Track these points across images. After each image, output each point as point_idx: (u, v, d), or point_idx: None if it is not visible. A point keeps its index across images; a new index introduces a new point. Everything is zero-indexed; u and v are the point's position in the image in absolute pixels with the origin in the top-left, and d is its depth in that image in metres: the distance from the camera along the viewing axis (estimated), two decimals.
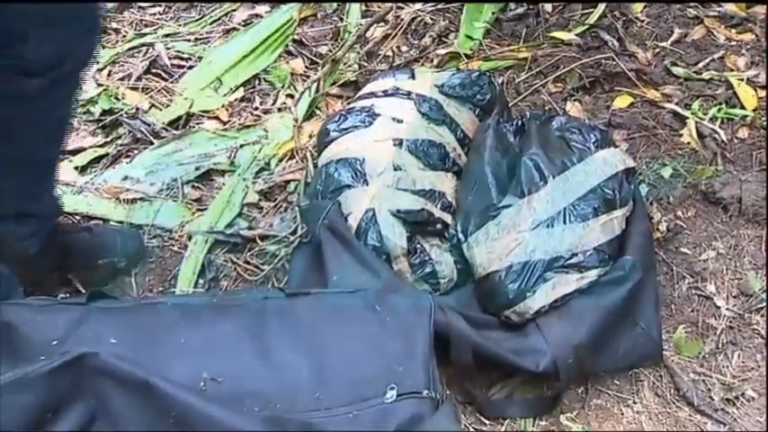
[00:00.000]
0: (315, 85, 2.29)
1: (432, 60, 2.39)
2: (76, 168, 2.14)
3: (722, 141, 2.12)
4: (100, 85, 2.38)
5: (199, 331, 1.42)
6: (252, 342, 1.40)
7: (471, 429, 1.62)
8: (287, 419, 1.29)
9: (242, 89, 2.36)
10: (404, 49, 2.47)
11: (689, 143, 2.13)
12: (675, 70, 2.34)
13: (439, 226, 1.72)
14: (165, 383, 1.26)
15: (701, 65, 2.34)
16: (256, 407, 1.30)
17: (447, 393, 1.42)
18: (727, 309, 1.79)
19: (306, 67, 2.43)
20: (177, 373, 1.31)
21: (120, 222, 1.99)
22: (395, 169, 1.74)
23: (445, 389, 1.43)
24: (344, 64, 2.39)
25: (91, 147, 2.20)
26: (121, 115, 2.27)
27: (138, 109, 2.29)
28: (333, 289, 1.63)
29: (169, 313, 1.46)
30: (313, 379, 1.33)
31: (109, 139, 2.23)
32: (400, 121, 1.82)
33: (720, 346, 1.75)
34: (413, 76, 1.96)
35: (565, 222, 1.62)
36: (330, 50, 2.44)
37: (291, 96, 2.31)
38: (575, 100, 2.26)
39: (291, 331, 1.41)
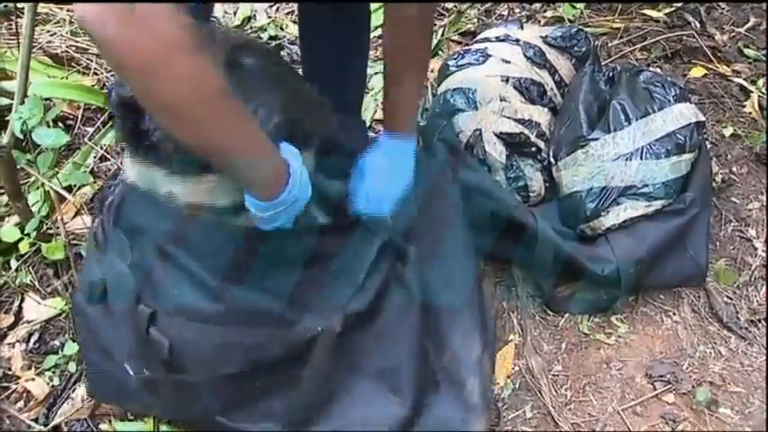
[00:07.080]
0: (441, 30, 2.22)
1: (539, 21, 2.28)
2: None
3: None
4: (269, 17, 2.38)
5: None
6: None
7: (538, 317, 1.60)
8: None
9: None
10: (516, 10, 2.36)
11: (750, 113, 2.01)
12: (747, 51, 2.18)
13: (533, 149, 1.65)
14: None
15: None
16: None
17: None
18: (763, 251, 1.72)
19: (435, 16, 2.35)
20: None
21: None
22: (500, 100, 1.68)
23: None
24: (466, 17, 2.31)
25: None
26: (284, 41, 2.26)
27: (297, 38, 2.25)
28: None
29: None
30: None
31: None
32: (508, 62, 1.74)
33: (752, 279, 1.68)
34: (521, 27, 1.86)
35: (641, 158, 1.54)
36: (456, 6, 2.35)
37: None
38: (656, 66, 2.13)
39: None
